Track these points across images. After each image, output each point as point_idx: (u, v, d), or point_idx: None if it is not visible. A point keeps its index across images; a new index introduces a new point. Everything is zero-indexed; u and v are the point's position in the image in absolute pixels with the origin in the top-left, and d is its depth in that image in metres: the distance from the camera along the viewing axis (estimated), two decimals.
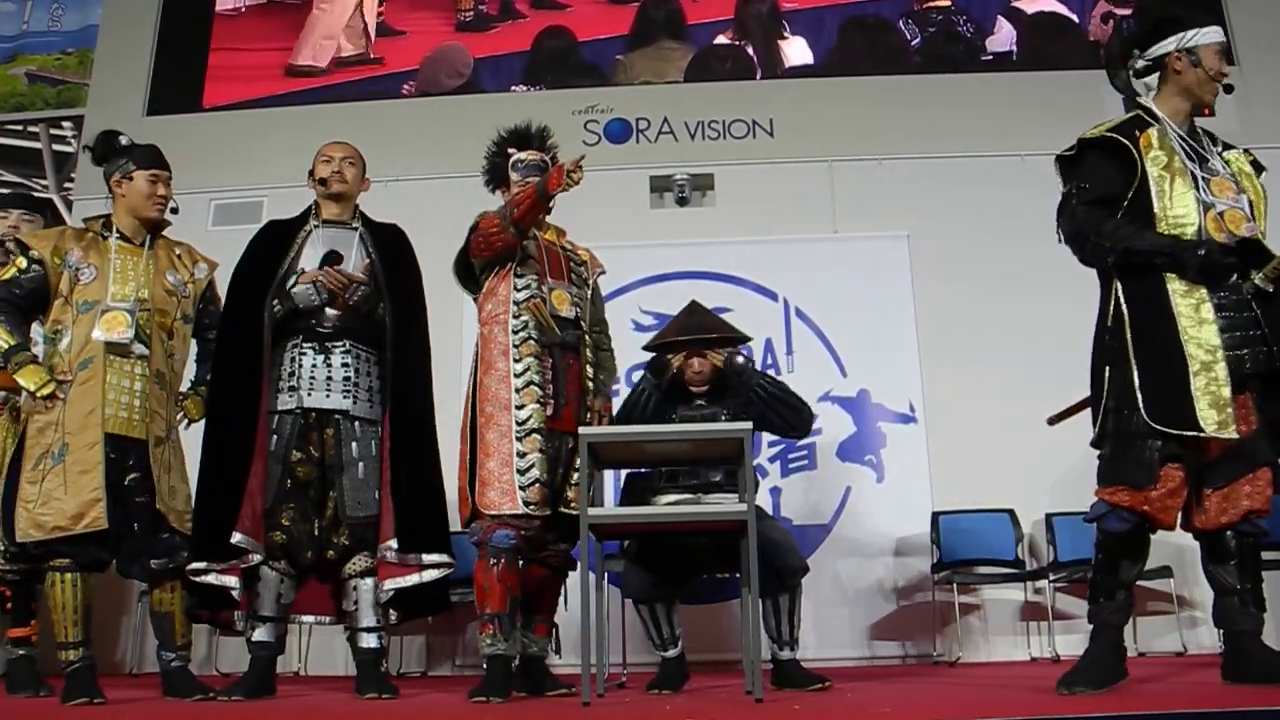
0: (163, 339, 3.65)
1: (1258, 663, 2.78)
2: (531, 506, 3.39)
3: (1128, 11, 6.87)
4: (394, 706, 3.42)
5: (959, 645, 5.46)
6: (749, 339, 4.17)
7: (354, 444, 3.62)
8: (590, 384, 3.68)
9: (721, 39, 6.99)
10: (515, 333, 3.57)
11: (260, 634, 3.54)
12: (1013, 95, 6.52)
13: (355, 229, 3.82)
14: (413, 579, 3.57)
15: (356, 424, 3.64)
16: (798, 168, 6.40)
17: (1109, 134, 3.03)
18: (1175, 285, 2.88)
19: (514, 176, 3.76)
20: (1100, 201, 3.02)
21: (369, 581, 3.60)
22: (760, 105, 6.66)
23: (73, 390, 3.49)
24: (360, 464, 3.61)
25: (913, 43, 6.91)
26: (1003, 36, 6.91)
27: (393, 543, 3.52)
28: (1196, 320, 2.84)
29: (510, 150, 3.81)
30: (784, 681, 3.62)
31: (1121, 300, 2.95)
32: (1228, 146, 3.16)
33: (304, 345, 3.64)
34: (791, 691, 3.51)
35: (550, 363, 3.59)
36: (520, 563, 3.52)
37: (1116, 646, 2.90)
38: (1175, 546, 4.99)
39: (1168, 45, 3.08)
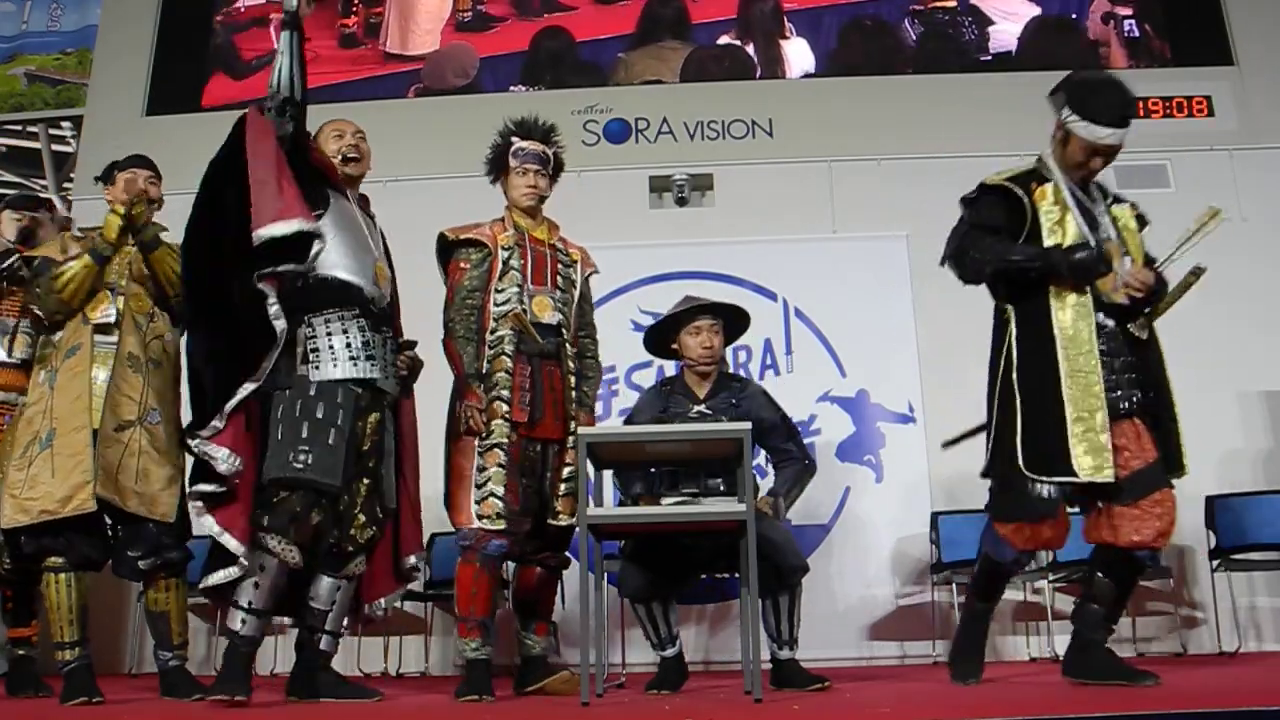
0: (139, 323, 3.65)
1: (1099, 664, 3.13)
2: (485, 520, 3.40)
3: (1129, 12, 6.87)
4: (394, 706, 3.42)
5: None
6: (747, 318, 4.17)
7: (389, 432, 3.49)
8: (571, 391, 3.66)
9: (725, 39, 7.00)
10: (491, 347, 3.56)
11: (250, 628, 3.23)
12: (1012, 95, 6.49)
13: (372, 216, 3.68)
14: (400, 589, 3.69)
15: (389, 411, 3.50)
16: (797, 168, 6.40)
17: (1005, 182, 3.24)
18: (1063, 325, 3.07)
19: (513, 164, 3.74)
20: (988, 228, 3.23)
21: (353, 585, 3.49)
22: (760, 105, 6.66)
23: (60, 377, 3.53)
24: (390, 455, 3.50)
25: (912, 42, 6.91)
26: (1004, 36, 6.90)
27: (422, 553, 3.60)
28: (1081, 369, 3.03)
29: (514, 139, 3.78)
30: (783, 682, 3.62)
31: (1012, 341, 3.16)
32: (1117, 200, 3.33)
33: (359, 318, 3.40)
34: (791, 692, 3.51)
35: (528, 370, 3.56)
36: (516, 565, 3.56)
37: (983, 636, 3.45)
38: (1175, 548, 5.00)
39: (1062, 108, 3.22)
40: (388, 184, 5.81)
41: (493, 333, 3.57)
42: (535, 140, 3.78)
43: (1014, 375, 3.12)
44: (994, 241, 3.17)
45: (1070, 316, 3.08)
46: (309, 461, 3.18)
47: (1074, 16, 6.92)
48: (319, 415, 3.24)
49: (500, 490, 3.44)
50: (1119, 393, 3.07)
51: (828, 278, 6.08)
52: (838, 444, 5.87)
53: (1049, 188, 3.20)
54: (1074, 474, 2.98)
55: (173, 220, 3.86)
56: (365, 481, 3.38)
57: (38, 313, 3.66)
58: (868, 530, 5.74)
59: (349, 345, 3.34)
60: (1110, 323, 3.13)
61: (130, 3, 7.21)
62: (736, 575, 3.75)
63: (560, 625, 3.70)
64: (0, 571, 4.00)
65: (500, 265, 3.63)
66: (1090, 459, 2.97)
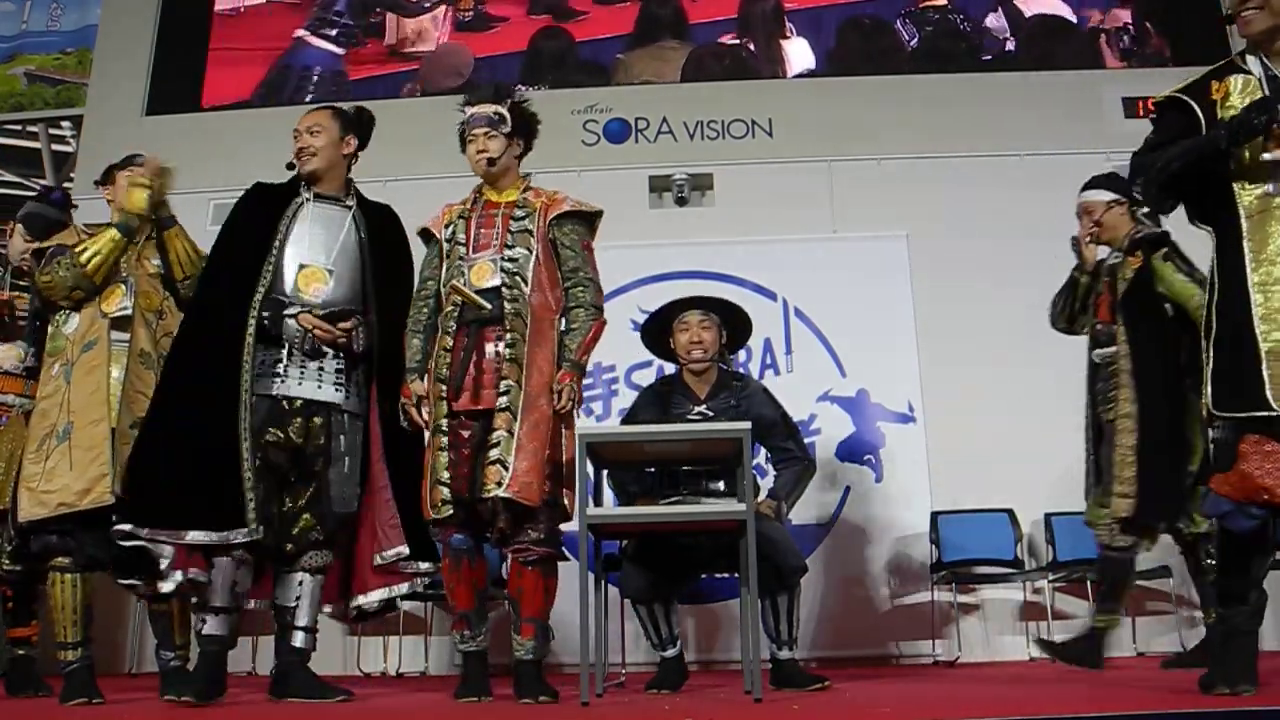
0: (149, 320, 3.66)
1: None
2: (434, 511, 3.33)
3: (1128, 12, 6.87)
4: (395, 705, 3.42)
5: (958, 645, 5.46)
6: (746, 317, 4.16)
7: (343, 437, 3.47)
8: (509, 351, 3.35)
9: (727, 39, 7.00)
10: (442, 329, 3.47)
11: (211, 626, 3.25)
12: (1011, 95, 6.52)
13: (349, 206, 3.64)
14: (404, 587, 3.54)
15: (346, 417, 3.49)
16: (797, 168, 6.40)
17: (1174, 93, 2.90)
18: (1250, 231, 2.70)
19: (467, 132, 3.59)
20: (1157, 146, 2.90)
21: (318, 579, 3.47)
22: (759, 105, 6.66)
23: (76, 371, 3.54)
24: (347, 459, 3.46)
25: (911, 42, 6.92)
26: (1000, 34, 6.91)
27: (403, 549, 3.45)
28: (1274, 286, 2.66)
29: (465, 108, 3.62)
30: (783, 681, 3.62)
31: (1214, 269, 2.81)
32: None
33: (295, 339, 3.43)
34: (790, 691, 3.51)
35: (463, 341, 3.40)
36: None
37: (1250, 649, 2.71)
38: (1173, 546, 4.99)
39: None
40: (387, 183, 5.82)
41: (445, 314, 3.48)
42: (484, 103, 3.58)
43: (1213, 305, 2.76)
44: (1157, 154, 2.84)
45: (1260, 222, 2.71)
46: None
47: (1073, 15, 6.94)
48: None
49: (445, 476, 3.33)
50: None
51: (827, 277, 6.07)
52: (838, 444, 5.87)
53: (1235, 80, 2.80)
54: (1270, 408, 2.61)
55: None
56: (311, 485, 3.43)
57: (51, 298, 3.64)
58: (867, 530, 5.75)
59: (263, 361, 3.38)
60: None
61: (130, 2, 7.22)
62: (736, 575, 3.75)
63: (559, 626, 3.63)
64: (0, 571, 4.00)
65: (445, 245, 3.55)
66: None
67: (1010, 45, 6.90)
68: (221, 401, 3.28)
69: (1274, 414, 2.61)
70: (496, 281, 3.42)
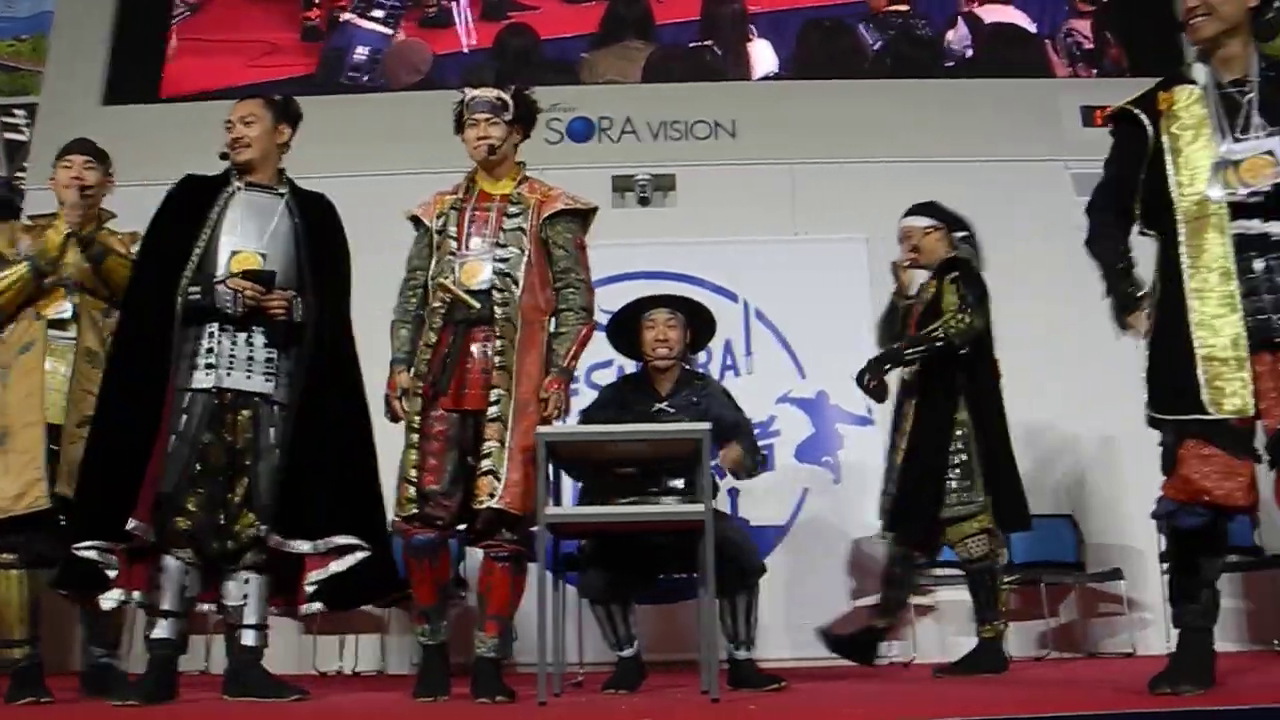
0: (95, 318, 3.63)
1: None
2: (398, 509, 3.33)
3: (1086, 23, 6.96)
4: (351, 704, 3.40)
5: (914, 646, 5.49)
6: (710, 316, 4.18)
7: (272, 430, 3.38)
8: (498, 358, 3.34)
9: (694, 44, 7.01)
10: (429, 323, 3.44)
11: (161, 630, 3.22)
12: (971, 102, 6.57)
13: (281, 195, 3.56)
14: (331, 567, 3.34)
15: (275, 409, 3.40)
16: (759, 169, 6.41)
17: (1124, 106, 2.98)
18: (1190, 239, 2.77)
19: (466, 116, 3.54)
20: (1107, 181, 3.03)
21: (264, 576, 3.39)
22: (723, 106, 6.67)
23: (13, 374, 3.51)
24: (277, 451, 3.36)
25: (873, 47, 6.96)
26: (960, 41, 6.97)
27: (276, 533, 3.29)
28: (1210, 292, 2.73)
29: (466, 90, 3.58)
30: (740, 682, 3.64)
31: (1156, 272, 2.89)
32: None
33: (224, 324, 3.35)
34: (747, 691, 3.53)
35: (451, 339, 3.37)
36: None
37: (1207, 648, 2.78)
38: (1125, 549, 5.07)
39: None
40: (347, 179, 5.78)
41: (431, 309, 3.45)
42: (487, 86, 3.54)
43: (1153, 313, 2.85)
44: (1101, 231, 2.99)
45: (1198, 229, 2.77)
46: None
47: (1032, 25, 7.01)
48: (174, 424, 3.25)
49: (413, 473, 3.32)
50: (1275, 315, 2.72)
51: (788, 279, 6.09)
52: (797, 445, 5.89)
53: (1182, 91, 2.87)
54: (1203, 410, 2.68)
55: (129, 214, 3.82)
56: (244, 480, 3.35)
57: None
58: (825, 531, 5.77)
59: (195, 353, 3.33)
60: (1277, 229, 2.76)
61: None
62: (695, 575, 3.76)
63: (516, 625, 3.61)
64: None
65: (435, 236, 3.51)
66: (1223, 391, 2.67)
67: (970, 53, 6.96)
68: (155, 399, 3.23)
69: (1210, 417, 2.67)
70: (487, 282, 3.39)
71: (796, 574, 5.68)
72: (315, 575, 3.34)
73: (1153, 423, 2.84)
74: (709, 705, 3.03)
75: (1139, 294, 2.89)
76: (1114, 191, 3.00)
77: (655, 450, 3.51)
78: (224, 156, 3.54)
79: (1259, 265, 2.74)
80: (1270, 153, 2.75)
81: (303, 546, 3.31)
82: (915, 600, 5.56)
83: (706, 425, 3.37)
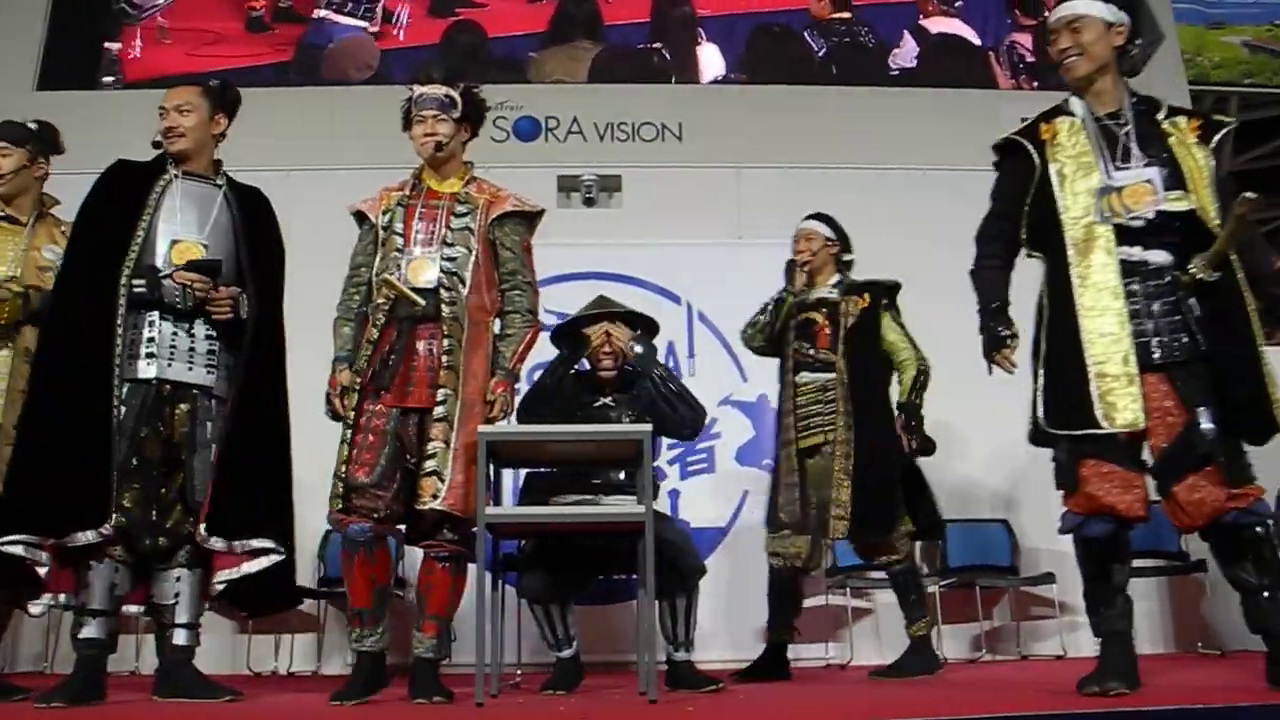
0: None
1: None
2: (331, 502, 3.29)
3: (1029, 36, 7.08)
4: (284, 704, 3.35)
5: (850, 648, 5.54)
6: (656, 326, 4.19)
7: (209, 424, 3.32)
8: (445, 357, 3.31)
9: (643, 46, 7.01)
10: (371, 319, 3.40)
11: (89, 630, 3.14)
12: (916, 110, 6.66)
13: (219, 186, 3.49)
14: (243, 568, 3.27)
15: (213, 402, 3.35)
16: (705, 173, 6.44)
17: (1010, 136, 3.12)
18: (1079, 264, 2.89)
19: (413, 112, 3.51)
20: (993, 214, 3.14)
21: (196, 573, 3.33)
22: (670, 109, 6.69)
23: None
24: (213, 446, 3.31)
25: (819, 54, 7.02)
26: (906, 53, 7.07)
27: (203, 528, 3.23)
28: (1101, 311, 2.85)
29: (414, 86, 3.55)
30: (678, 683, 3.64)
31: (1043, 294, 3.01)
32: (1176, 112, 3.06)
33: (165, 313, 3.29)
34: (685, 693, 3.54)
35: (394, 336, 3.34)
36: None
37: (1129, 650, 2.86)
38: (1057, 554, 5.15)
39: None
40: (290, 173, 5.71)
41: (374, 305, 3.41)
42: (435, 83, 3.51)
43: (1043, 328, 2.97)
44: (986, 264, 3.12)
45: (1086, 252, 2.90)
46: None
47: (976, 38, 7.12)
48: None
49: (344, 467, 3.28)
50: (1154, 339, 2.84)
51: (732, 282, 6.11)
52: (738, 448, 5.92)
53: (1063, 122, 3.05)
54: (1096, 425, 2.79)
55: (65, 205, 3.74)
56: (179, 475, 3.28)
57: None
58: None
59: (134, 341, 3.26)
60: (1155, 257, 2.91)
61: None
62: (634, 576, 3.76)
63: (454, 625, 3.58)
64: None
65: (381, 233, 3.47)
66: (1116, 406, 2.78)
67: (914, 62, 7.05)
68: (92, 389, 3.15)
69: (1103, 432, 2.79)
70: (434, 280, 3.36)
71: (736, 576, 5.70)
72: (226, 574, 3.28)
73: (1040, 439, 2.98)
74: (647, 706, 3.03)
75: (1007, 334, 3.01)
76: (1002, 221, 3.13)
77: (599, 451, 3.52)
78: (157, 145, 3.46)
79: (1139, 290, 2.90)
80: (1149, 181, 2.92)
81: (217, 544, 3.25)
82: (855, 603, 5.63)
83: (648, 427, 3.37)
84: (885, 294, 4.48)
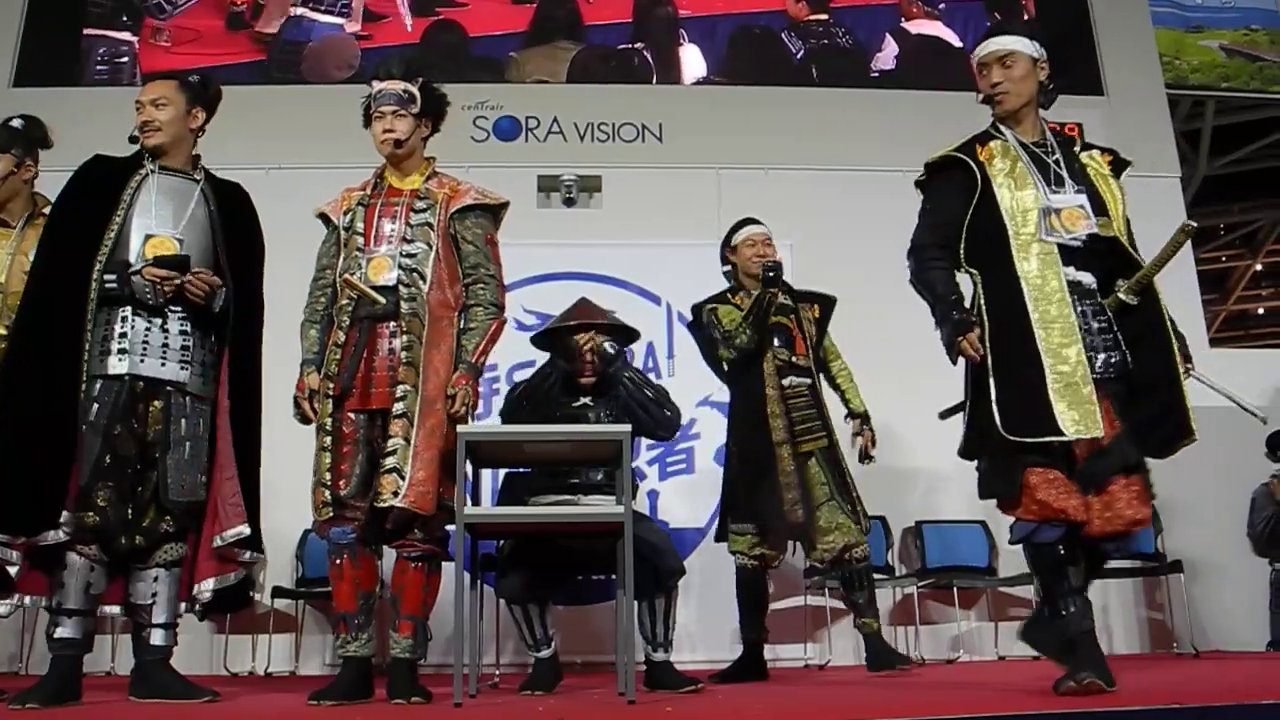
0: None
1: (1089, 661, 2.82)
2: (315, 512, 3.27)
3: None
4: (262, 705, 3.33)
5: (829, 649, 5.56)
6: (637, 334, 4.20)
7: (183, 421, 3.25)
8: (405, 354, 3.26)
9: (624, 46, 7.02)
10: (339, 329, 3.36)
11: (65, 630, 3.09)
12: (897, 111, 6.68)
13: (196, 181, 3.44)
14: (232, 576, 3.30)
15: (188, 399, 3.28)
16: (685, 173, 6.45)
17: (951, 152, 3.20)
18: (1029, 274, 2.97)
19: (372, 109, 3.47)
20: (937, 223, 3.20)
21: (174, 573, 3.28)
22: (651, 110, 6.70)
23: None
24: (188, 444, 3.24)
25: (796, 55, 7.04)
26: (887, 54, 7.10)
27: (244, 529, 3.23)
28: (1055, 318, 2.93)
29: (373, 83, 3.51)
30: (656, 683, 3.64)
31: (981, 306, 3.05)
32: (1089, 147, 3.27)
33: (138, 309, 3.24)
34: (663, 693, 3.53)
35: (356, 337, 3.30)
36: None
37: (1097, 647, 2.91)
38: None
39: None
40: (270, 172, 5.70)
41: (339, 306, 3.37)
42: (394, 79, 3.46)
43: (986, 341, 2.99)
44: (930, 265, 3.15)
45: (1036, 265, 2.97)
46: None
47: (956, 40, 7.15)
48: (85, 413, 3.14)
49: (328, 476, 3.25)
50: (1098, 355, 2.95)
51: (711, 283, 6.09)
52: (717, 448, 5.89)
53: (996, 145, 3.16)
54: (1059, 432, 2.83)
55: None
56: (153, 473, 3.24)
57: None
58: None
59: (105, 338, 3.21)
60: (1085, 279, 3.02)
61: None
62: (613, 576, 3.76)
63: (433, 625, 3.57)
64: None
65: (343, 233, 3.44)
66: (1075, 415, 2.84)
67: (893, 64, 7.08)
68: (59, 386, 3.10)
69: (1055, 439, 2.85)
70: (394, 278, 3.33)
71: (715, 576, 5.69)
72: (216, 582, 3.29)
73: (970, 452, 3.08)
74: (625, 707, 3.03)
75: (972, 319, 3.04)
76: (942, 232, 3.17)
77: (577, 451, 3.51)
78: (133, 140, 3.41)
79: (1078, 308, 2.98)
80: (1082, 206, 3.05)
81: (244, 556, 3.30)
82: (833, 604, 5.64)
83: (627, 427, 3.37)
84: (816, 301, 4.75)
